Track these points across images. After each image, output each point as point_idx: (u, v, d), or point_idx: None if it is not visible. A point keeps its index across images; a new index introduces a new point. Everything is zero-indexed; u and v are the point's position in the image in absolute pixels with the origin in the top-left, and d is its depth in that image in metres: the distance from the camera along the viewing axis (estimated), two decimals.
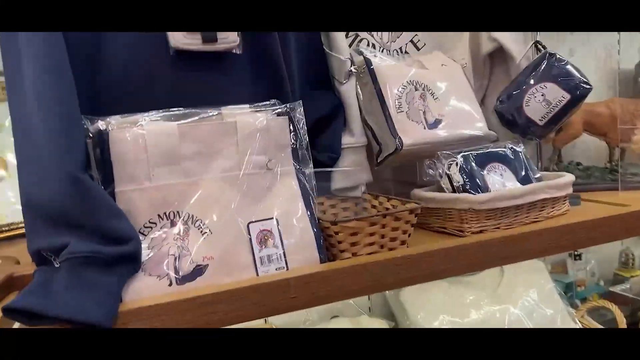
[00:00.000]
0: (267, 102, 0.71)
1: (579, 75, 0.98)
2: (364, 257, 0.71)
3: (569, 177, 0.94)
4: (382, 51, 1.04)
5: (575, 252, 1.30)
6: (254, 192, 0.64)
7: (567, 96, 0.98)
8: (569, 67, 0.99)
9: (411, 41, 1.08)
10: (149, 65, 0.63)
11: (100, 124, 0.55)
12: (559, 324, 1.02)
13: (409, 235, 0.79)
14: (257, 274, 0.62)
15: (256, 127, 0.65)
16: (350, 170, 0.93)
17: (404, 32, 1.07)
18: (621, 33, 1.46)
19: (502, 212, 0.86)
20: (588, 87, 0.98)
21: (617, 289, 1.27)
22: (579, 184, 1.19)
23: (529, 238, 0.80)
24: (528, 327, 1.00)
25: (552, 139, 1.24)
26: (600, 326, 1.04)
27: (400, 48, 1.07)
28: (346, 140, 0.94)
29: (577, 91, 0.98)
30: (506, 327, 1.00)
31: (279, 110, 0.70)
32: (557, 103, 0.99)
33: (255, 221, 0.63)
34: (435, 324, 0.98)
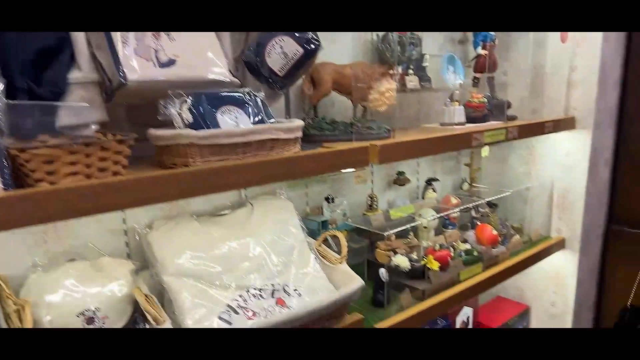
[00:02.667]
0: None
1: (311, 32, 1.10)
2: (52, 186, 0.69)
3: (298, 123, 1.06)
4: None
5: (329, 197, 1.50)
6: None
7: (301, 50, 1.10)
8: None
9: None
10: None
11: None
12: (297, 251, 1.18)
13: (123, 166, 0.80)
14: None
15: None
16: (79, 107, 0.90)
17: None
18: None
19: (230, 148, 0.93)
20: (318, 43, 1.11)
21: (361, 225, 1.51)
22: (327, 135, 1.36)
23: (237, 170, 0.88)
24: (270, 255, 1.13)
25: (308, 95, 1.39)
26: (332, 250, 1.23)
27: None
28: (73, 75, 0.89)
29: (309, 46, 1.10)
30: (250, 256, 1.10)
31: None
32: (293, 56, 1.10)
33: None
34: (180, 261, 1.03)
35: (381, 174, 1.75)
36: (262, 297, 1.08)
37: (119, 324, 0.94)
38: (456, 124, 1.48)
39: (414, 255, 1.46)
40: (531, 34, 1.82)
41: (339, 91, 1.41)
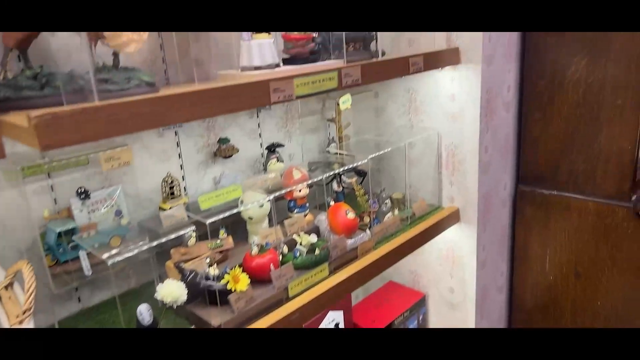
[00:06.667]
0: None
1: None
2: None
3: None
4: None
5: (82, 190, 1.00)
6: None
7: None
8: None
9: None
10: None
11: None
12: None
13: None
14: None
15: None
16: None
17: None
18: None
19: None
20: None
21: (149, 225, 1.02)
22: (28, 98, 0.83)
23: None
24: None
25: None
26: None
27: None
28: None
29: None
30: None
31: None
32: None
33: None
34: None
35: (199, 143, 1.24)
36: None
37: None
38: (260, 67, 0.96)
39: (213, 271, 0.99)
40: None
41: None
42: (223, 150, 1.24)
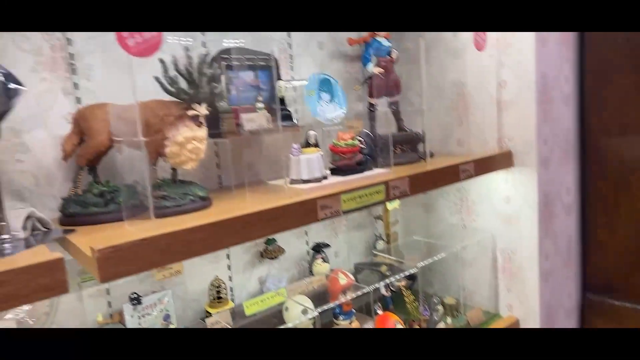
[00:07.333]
0: None
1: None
2: None
3: None
4: None
5: (135, 296, 1.03)
6: None
7: None
8: None
9: None
10: None
11: None
12: None
13: None
14: None
15: None
16: None
17: None
18: None
19: None
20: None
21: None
22: (94, 214, 0.90)
23: None
24: None
25: (67, 152, 0.93)
26: None
27: None
28: None
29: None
30: None
31: None
32: None
33: None
34: None
35: (247, 243, 1.26)
36: None
37: None
38: (308, 181, 0.99)
39: None
40: (442, 40, 1.34)
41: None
42: (270, 252, 1.25)
